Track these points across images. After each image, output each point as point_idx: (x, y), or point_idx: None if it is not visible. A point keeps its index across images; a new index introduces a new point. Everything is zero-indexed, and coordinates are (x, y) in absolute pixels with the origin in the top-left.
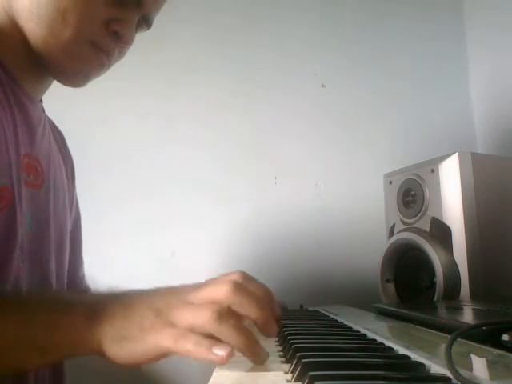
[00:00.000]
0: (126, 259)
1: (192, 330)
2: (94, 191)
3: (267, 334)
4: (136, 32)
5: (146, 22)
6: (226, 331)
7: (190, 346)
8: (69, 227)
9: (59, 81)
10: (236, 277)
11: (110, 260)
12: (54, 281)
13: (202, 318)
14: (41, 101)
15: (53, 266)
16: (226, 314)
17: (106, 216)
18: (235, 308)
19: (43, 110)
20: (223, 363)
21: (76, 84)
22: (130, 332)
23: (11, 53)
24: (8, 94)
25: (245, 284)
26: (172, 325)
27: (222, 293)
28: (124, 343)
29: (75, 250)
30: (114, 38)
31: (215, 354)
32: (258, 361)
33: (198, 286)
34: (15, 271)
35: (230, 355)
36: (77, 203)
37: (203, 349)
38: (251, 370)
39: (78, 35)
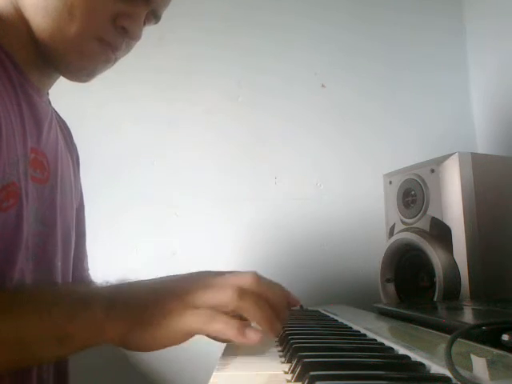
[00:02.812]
0: (127, 259)
1: (215, 310)
2: (95, 192)
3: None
4: (144, 26)
5: (154, 16)
6: (248, 307)
7: (221, 326)
8: (74, 222)
9: (64, 75)
10: (245, 279)
11: (110, 260)
12: (59, 278)
13: (224, 296)
14: (47, 94)
15: (59, 262)
16: (247, 292)
17: (106, 216)
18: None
19: (49, 103)
20: (251, 344)
21: (81, 79)
22: (152, 318)
23: (18, 45)
24: (16, 88)
25: (256, 286)
26: (194, 306)
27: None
28: (147, 329)
29: (78, 240)
30: (122, 33)
31: (246, 337)
32: (274, 334)
33: (213, 276)
34: (20, 269)
35: (260, 338)
36: (81, 194)
37: (234, 329)
38: (251, 370)
39: (85, 31)
